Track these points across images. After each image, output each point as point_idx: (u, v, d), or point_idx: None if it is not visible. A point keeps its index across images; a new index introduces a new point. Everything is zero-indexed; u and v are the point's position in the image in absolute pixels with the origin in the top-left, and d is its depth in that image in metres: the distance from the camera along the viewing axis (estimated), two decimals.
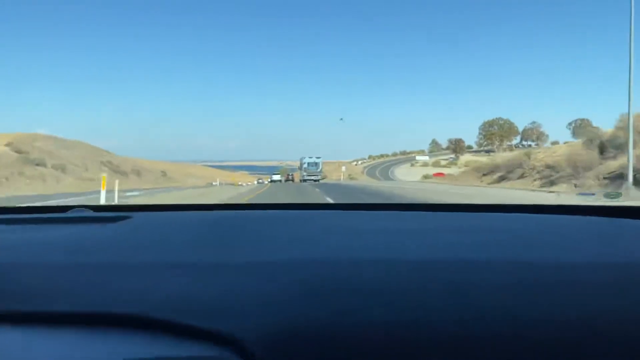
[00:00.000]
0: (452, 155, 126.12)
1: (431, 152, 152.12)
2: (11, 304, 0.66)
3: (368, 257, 0.80)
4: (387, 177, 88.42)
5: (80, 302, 0.66)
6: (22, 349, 0.59)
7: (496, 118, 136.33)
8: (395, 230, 1.03)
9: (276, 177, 68.20)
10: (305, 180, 51.09)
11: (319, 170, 55.36)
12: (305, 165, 56.05)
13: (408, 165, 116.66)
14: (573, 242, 0.92)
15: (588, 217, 1.17)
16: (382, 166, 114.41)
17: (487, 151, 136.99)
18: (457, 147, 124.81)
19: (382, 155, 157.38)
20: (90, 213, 1.35)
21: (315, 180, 49.97)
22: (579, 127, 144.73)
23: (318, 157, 56.93)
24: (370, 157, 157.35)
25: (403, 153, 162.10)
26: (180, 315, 0.62)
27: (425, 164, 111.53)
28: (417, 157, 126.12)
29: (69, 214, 1.35)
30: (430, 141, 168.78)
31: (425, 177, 69.53)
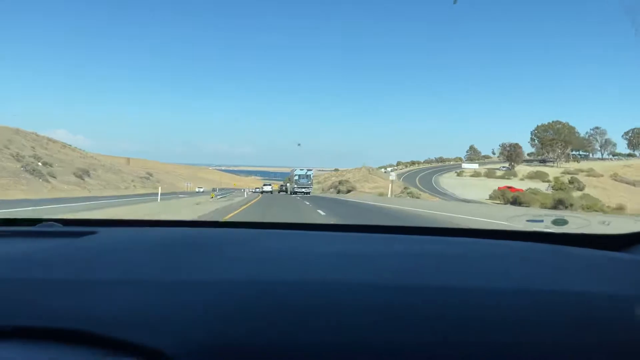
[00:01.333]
0: (505, 165, 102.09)
1: (470, 160, 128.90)
2: None
3: (308, 279, 0.83)
4: (434, 190, 64.71)
5: (24, 317, 0.69)
6: None
7: (553, 122, 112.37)
8: (352, 253, 1.05)
9: (267, 188, 63.00)
10: (295, 193, 51.62)
11: (309, 183, 56.06)
12: (295, 178, 56.29)
13: (452, 174, 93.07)
14: (514, 268, 0.94)
15: (533, 244, 1.20)
16: (420, 175, 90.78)
17: (543, 161, 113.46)
18: (512, 154, 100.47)
19: (413, 162, 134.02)
20: (58, 227, 1.37)
21: (305, 193, 50.83)
22: (638, 137, 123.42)
23: (309, 170, 57.93)
24: (399, 163, 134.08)
25: (440, 160, 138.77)
26: (117, 330, 0.65)
27: (476, 174, 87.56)
28: (464, 165, 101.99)
29: (36, 228, 1.37)
30: (467, 147, 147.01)
31: (502, 194, 45.70)
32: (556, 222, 1.73)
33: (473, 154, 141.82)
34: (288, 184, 65.42)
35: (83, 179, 50.32)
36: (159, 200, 23.95)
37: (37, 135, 65.84)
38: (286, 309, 0.71)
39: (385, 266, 0.93)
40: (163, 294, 0.75)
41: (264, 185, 66.31)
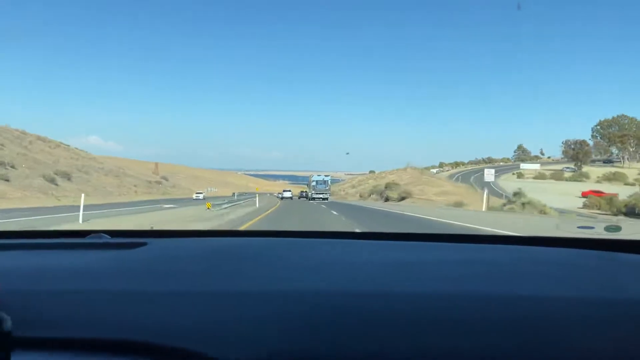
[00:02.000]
0: (569, 165, 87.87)
1: (521, 160, 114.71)
2: (29, 330, 0.70)
3: (367, 290, 0.83)
4: (498, 196, 51.56)
5: (92, 329, 0.70)
6: None
7: (618, 116, 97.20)
8: (397, 262, 1.06)
9: (287, 194, 63.41)
10: (313, 199, 52.78)
11: (327, 188, 56.70)
12: (313, 184, 57.16)
13: (509, 176, 79.63)
14: (565, 275, 0.94)
15: (584, 250, 1.19)
16: (473, 177, 77.38)
17: (608, 160, 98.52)
18: (579, 152, 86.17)
19: (457, 163, 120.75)
20: (108, 239, 1.40)
21: (323, 199, 51.64)
22: None
23: (327, 176, 59.09)
24: (442, 164, 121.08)
25: (488, 160, 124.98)
26: (183, 341, 0.67)
27: (540, 175, 73.81)
28: (523, 166, 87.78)
29: (87, 240, 1.40)
30: (515, 147, 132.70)
31: (608, 201, 32.94)
32: (608, 228, 1.69)
33: (522, 154, 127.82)
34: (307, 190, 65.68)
35: (56, 184, 39.59)
36: (80, 220, 12.87)
37: (24, 133, 56.21)
38: (349, 320, 0.71)
39: (436, 274, 0.93)
40: (223, 305, 0.76)
41: (284, 191, 66.84)
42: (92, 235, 1.43)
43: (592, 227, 1.83)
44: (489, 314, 0.72)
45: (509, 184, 63.67)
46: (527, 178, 73.60)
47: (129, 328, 0.71)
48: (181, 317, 0.73)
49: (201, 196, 57.59)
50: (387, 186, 50.78)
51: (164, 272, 0.97)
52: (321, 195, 53.92)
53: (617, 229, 1.67)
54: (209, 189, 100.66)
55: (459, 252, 1.16)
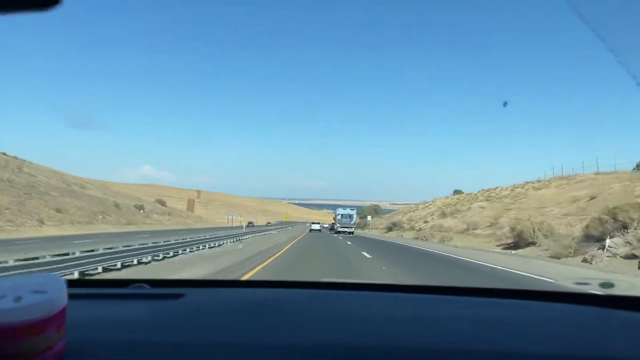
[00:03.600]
0: None
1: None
2: None
3: (387, 345, 0.85)
4: None
5: None
6: None
7: None
8: (410, 316, 1.10)
9: (315, 226, 64.69)
10: (338, 232, 51.79)
11: (352, 222, 55.65)
12: (338, 217, 56.69)
13: None
14: (557, 332, 0.97)
15: (573, 306, 1.22)
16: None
17: None
18: None
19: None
20: (148, 290, 1.46)
21: (349, 233, 50.63)
22: None
23: (352, 209, 58.82)
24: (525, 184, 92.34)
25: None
26: None
27: None
28: None
29: (129, 290, 1.47)
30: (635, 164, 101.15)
31: None
32: (603, 285, 1.80)
33: None
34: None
35: None
36: None
37: None
38: None
39: (440, 330, 0.96)
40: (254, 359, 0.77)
41: (312, 223, 66.97)
42: (134, 285, 1.50)
43: (588, 283, 1.89)
44: None
45: None
46: None
47: None
48: None
49: None
50: None
51: (198, 324, 0.99)
52: (346, 229, 52.71)
53: (610, 285, 1.74)
54: (228, 217, 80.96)
55: (465, 307, 1.21)
